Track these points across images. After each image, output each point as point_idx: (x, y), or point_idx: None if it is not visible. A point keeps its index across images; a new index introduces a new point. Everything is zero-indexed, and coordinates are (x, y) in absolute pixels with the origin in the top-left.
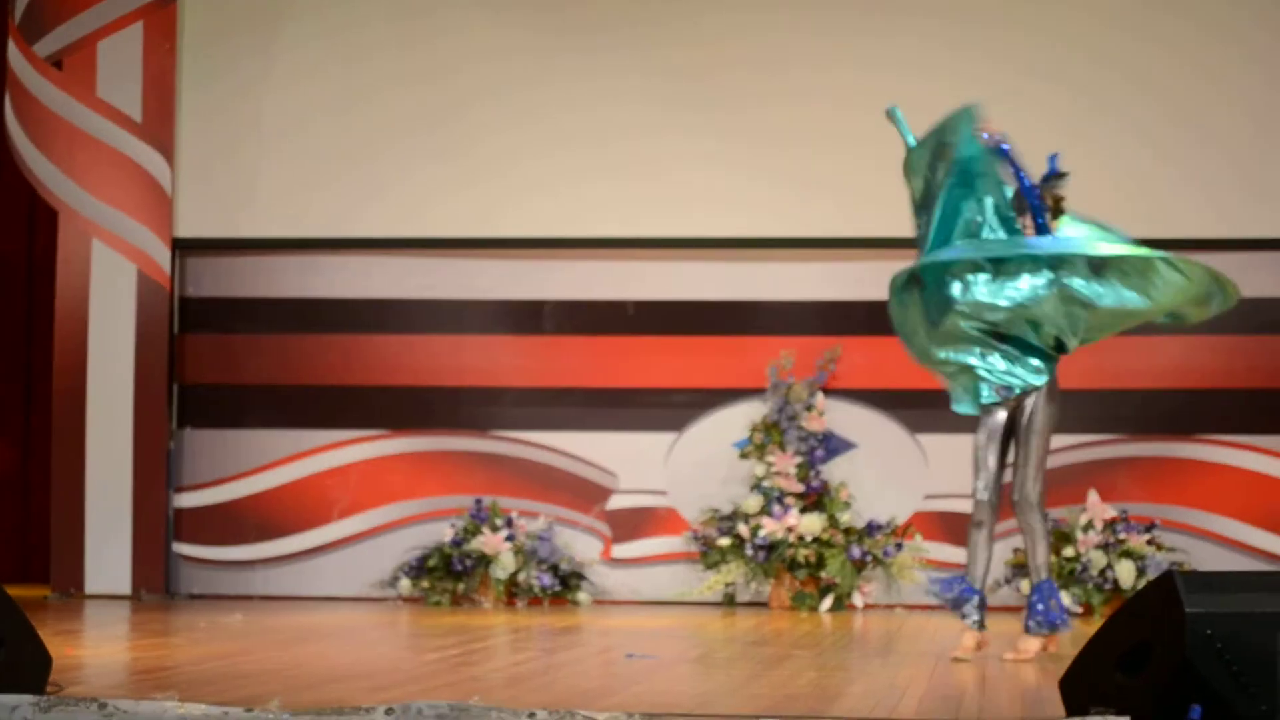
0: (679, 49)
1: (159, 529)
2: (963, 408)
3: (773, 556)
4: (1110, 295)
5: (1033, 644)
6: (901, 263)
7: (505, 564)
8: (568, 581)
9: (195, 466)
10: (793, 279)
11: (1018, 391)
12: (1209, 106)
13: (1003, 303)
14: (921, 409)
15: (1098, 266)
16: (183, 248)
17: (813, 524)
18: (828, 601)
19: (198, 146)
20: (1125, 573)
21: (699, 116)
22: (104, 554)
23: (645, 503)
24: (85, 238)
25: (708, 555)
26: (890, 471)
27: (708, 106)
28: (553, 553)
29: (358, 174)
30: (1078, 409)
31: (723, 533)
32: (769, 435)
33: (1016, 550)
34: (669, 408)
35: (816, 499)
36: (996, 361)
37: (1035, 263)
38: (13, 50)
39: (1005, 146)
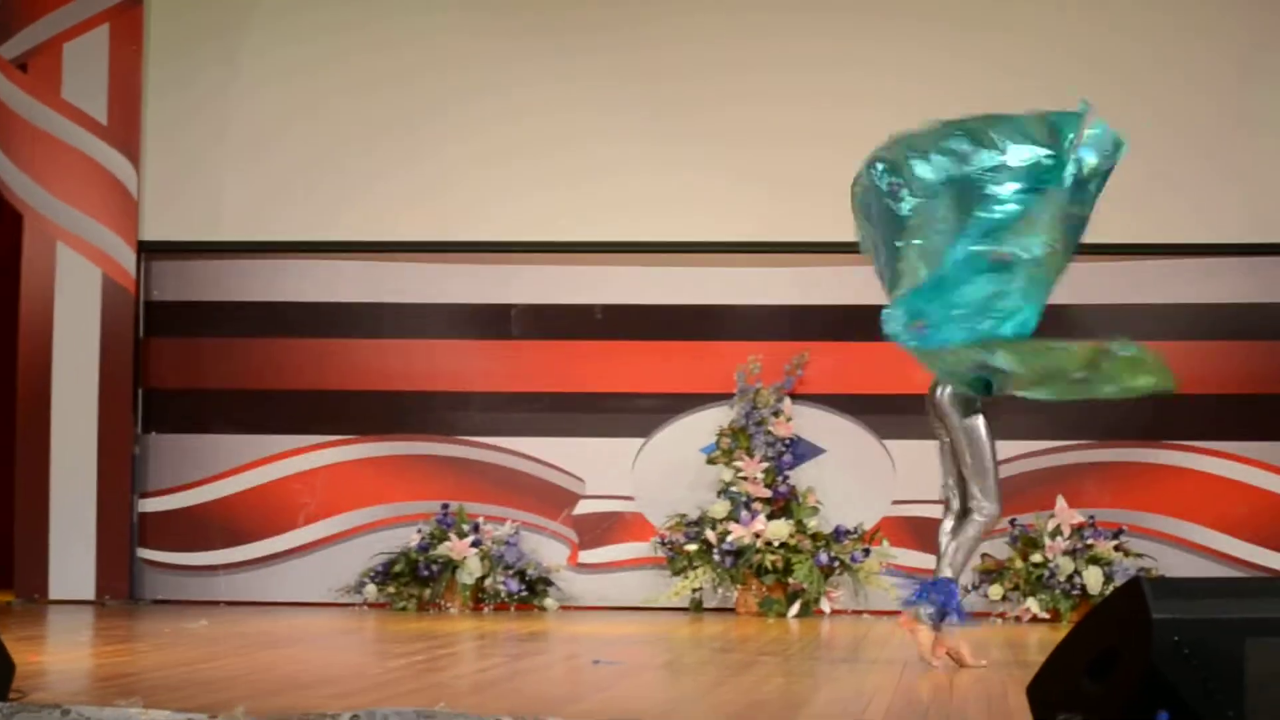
0: (644, 52)
1: (124, 534)
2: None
3: (740, 562)
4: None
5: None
6: (869, 268)
7: (472, 569)
8: (534, 587)
9: (160, 471)
10: (760, 283)
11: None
12: (1193, 110)
13: None
14: (889, 414)
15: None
16: (148, 251)
17: (780, 529)
18: (795, 607)
19: (164, 149)
20: (1093, 579)
21: (665, 120)
22: (68, 559)
23: (612, 508)
24: (50, 241)
25: (675, 561)
26: (858, 477)
27: (675, 110)
28: (519, 558)
29: (324, 179)
30: (1046, 415)
31: (690, 538)
32: (736, 440)
33: (985, 556)
34: (636, 412)
35: (784, 504)
36: None
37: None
38: None
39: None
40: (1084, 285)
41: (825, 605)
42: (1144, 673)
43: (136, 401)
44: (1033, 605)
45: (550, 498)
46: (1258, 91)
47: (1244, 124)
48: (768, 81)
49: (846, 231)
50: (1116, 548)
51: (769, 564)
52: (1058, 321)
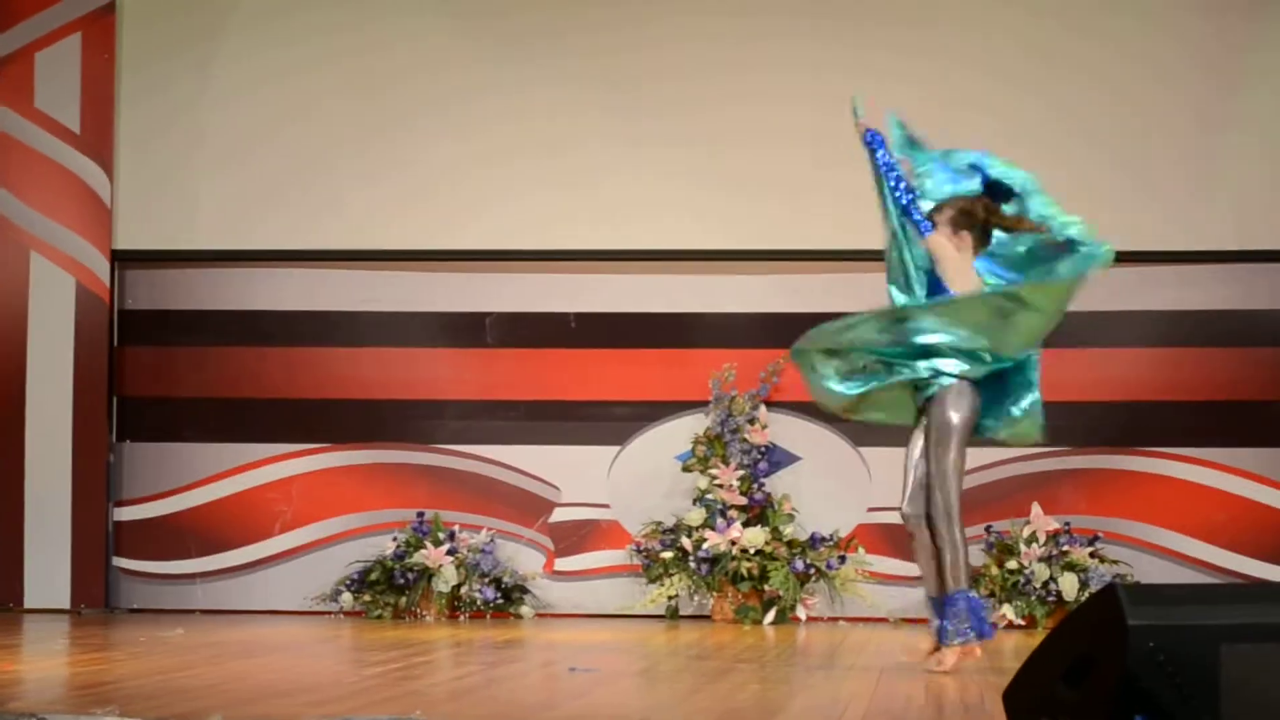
0: (619, 59)
1: (99, 543)
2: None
3: (716, 569)
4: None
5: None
6: (844, 275)
7: (447, 577)
8: (510, 595)
9: (135, 480)
10: (735, 291)
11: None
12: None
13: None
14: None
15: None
16: (122, 260)
17: (756, 537)
18: (771, 614)
19: (137, 158)
20: (1068, 585)
21: (640, 127)
22: (43, 568)
23: (588, 516)
24: (23, 250)
25: (651, 568)
26: (833, 484)
27: (648, 117)
28: (495, 566)
29: (298, 187)
30: None
31: (666, 546)
32: (712, 448)
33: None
34: (611, 420)
35: (759, 512)
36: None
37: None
38: None
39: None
40: None
41: (801, 612)
42: (1119, 679)
43: (111, 410)
44: (1008, 612)
45: (526, 506)
46: (1235, 98)
47: (1221, 131)
48: (741, 88)
49: (821, 239)
50: (1092, 554)
51: (745, 571)
52: None
